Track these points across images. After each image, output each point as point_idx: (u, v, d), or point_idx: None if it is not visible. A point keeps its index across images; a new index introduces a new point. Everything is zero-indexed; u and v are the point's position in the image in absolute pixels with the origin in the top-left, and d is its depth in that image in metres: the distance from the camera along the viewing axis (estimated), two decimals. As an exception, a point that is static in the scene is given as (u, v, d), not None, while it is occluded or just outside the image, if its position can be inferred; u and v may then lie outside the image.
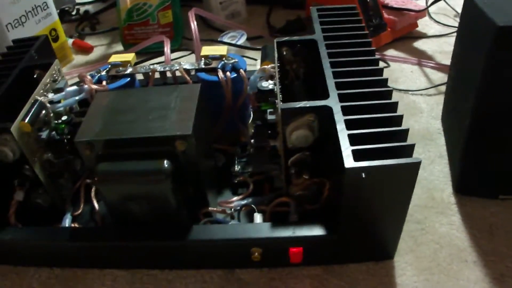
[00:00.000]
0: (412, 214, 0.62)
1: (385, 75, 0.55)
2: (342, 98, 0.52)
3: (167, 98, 0.55)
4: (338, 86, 0.53)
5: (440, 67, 0.91)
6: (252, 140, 0.64)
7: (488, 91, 0.56)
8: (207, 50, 0.65)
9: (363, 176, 0.44)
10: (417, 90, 0.86)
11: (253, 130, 0.66)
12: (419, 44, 1.01)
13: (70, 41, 1.12)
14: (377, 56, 0.59)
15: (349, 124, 0.48)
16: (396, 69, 0.92)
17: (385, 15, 0.98)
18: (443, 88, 0.83)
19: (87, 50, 1.11)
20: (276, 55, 0.59)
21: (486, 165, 0.62)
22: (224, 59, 0.63)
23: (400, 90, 0.86)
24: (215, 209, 0.59)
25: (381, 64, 0.92)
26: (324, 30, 0.64)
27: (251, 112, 0.67)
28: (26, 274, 0.61)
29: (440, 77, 0.88)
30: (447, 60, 0.88)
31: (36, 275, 0.61)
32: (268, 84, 0.57)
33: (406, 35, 1.03)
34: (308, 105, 0.50)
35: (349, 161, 0.44)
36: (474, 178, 0.64)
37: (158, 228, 0.56)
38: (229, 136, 0.68)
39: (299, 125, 0.51)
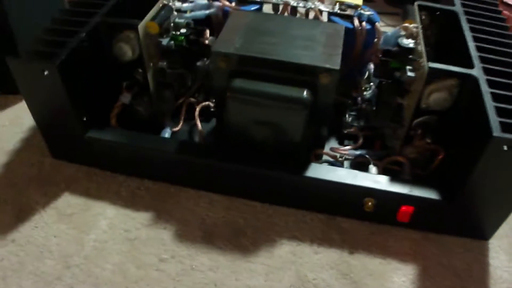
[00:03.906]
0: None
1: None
2: (486, 71, 0.54)
3: (311, 30, 0.58)
4: (482, 59, 0.56)
5: None
6: (365, 93, 0.67)
7: None
8: (343, -4, 0.67)
9: (505, 148, 0.47)
10: None
11: (367, 86, 0.68)
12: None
13: None
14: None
15: (494, 97, 0.51)
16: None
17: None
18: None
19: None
20: (417, 16, 0.61)
21: None
22: (359, 9, 0.65)
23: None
24: (328, 152, 0.62)
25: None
26: (463, 5, 0.66)
27: (370, 68, 0.69)
28: (114, 181, 0.64)
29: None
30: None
31: (125, 183, 0.64)
32: (408, 42, 0.58)
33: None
34: (456, 70, 0.53)
35: (496, 131, 0.47)
36: None
37: (272, 157, 0.58)
38: (342, 87, 0.68)
39: (441, 87, 0.54)
